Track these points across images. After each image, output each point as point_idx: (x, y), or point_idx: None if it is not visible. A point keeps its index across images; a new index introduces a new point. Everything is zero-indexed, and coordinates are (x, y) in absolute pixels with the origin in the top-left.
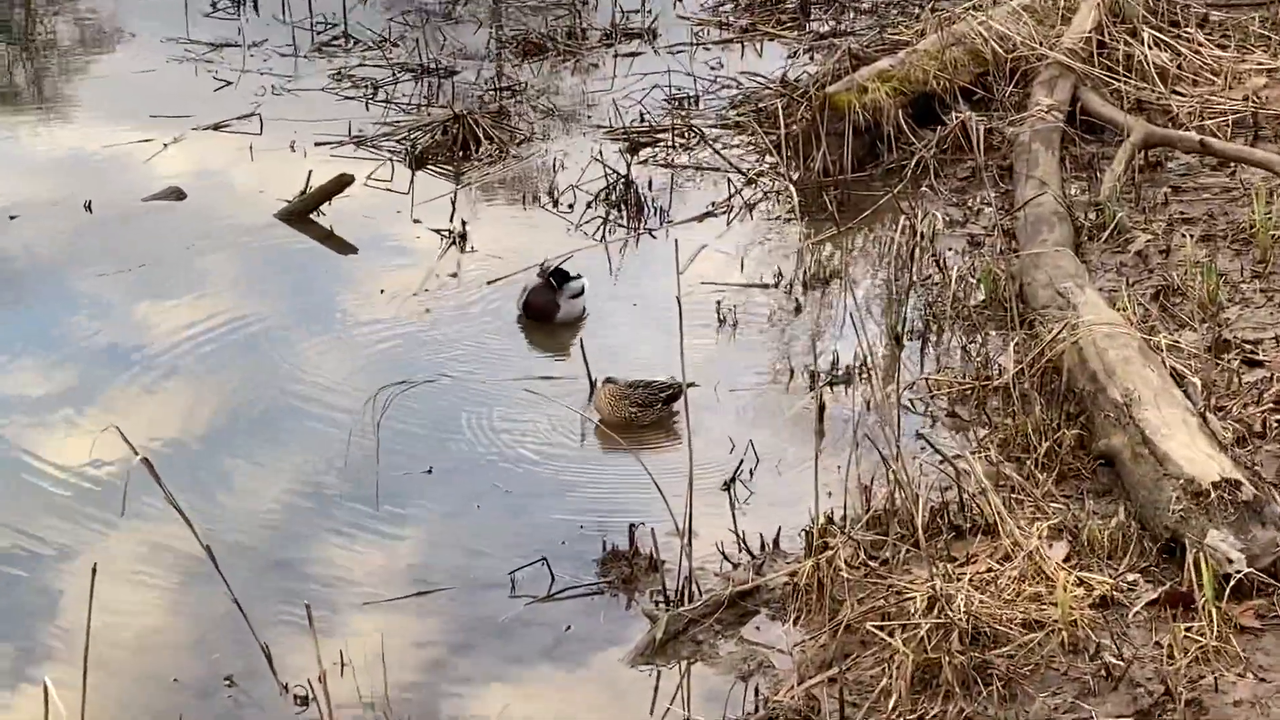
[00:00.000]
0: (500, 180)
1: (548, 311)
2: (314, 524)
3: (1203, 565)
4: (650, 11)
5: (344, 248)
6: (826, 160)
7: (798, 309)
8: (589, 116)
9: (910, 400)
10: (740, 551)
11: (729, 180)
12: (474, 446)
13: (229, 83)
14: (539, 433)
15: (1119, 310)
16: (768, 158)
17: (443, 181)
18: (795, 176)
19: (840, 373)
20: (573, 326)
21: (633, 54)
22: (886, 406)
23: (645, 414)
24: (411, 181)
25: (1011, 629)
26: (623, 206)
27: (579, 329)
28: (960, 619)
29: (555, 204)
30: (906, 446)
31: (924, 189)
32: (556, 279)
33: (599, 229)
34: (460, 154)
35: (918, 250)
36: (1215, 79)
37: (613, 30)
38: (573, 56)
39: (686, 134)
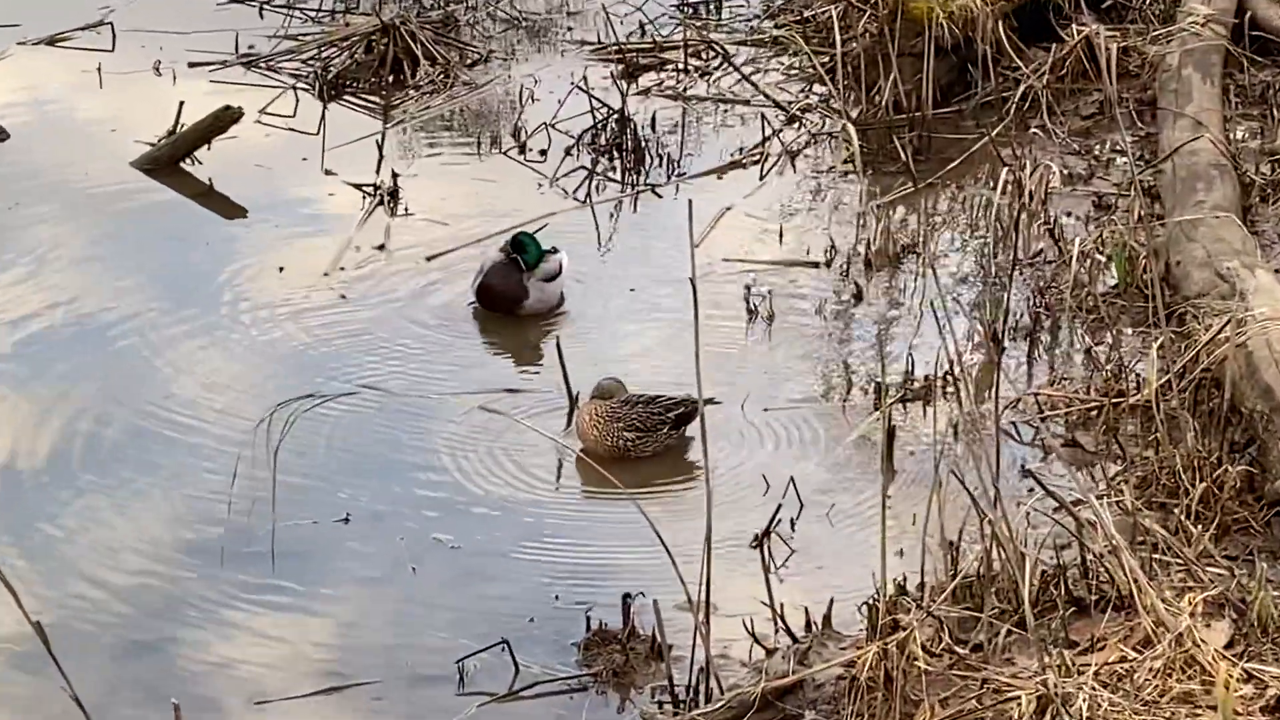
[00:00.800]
0: (445, 117)
1: (512, 299)
2: (187, 591)
3: None
4: None
5: (229, 209)
6: (898, 90)
7: (858, 296)
8: (568, 30)
9: (1013, 424)
10: (777, 632)
11: (763, 118)
12: (408, 485)
13: None
14: (498, 466)
15: None
16: (817, 87)
17: (365, 118)
18: (855, 113)
19: (916, 385)
20: (546, 320)
21: None
22: (981, 432)
23: (646, 441)
24: (322, 118)
25: None
26: (616, 154)
27: (554, 323)
28: None
29: (522, 150)
30: (1008, 488)
31: (1033, 131)
32: (524, 255)
33: (582, 185)
34: (390, 80)
35: (1025, 216)
36: None
37: None
38: None
39: (704, 54)
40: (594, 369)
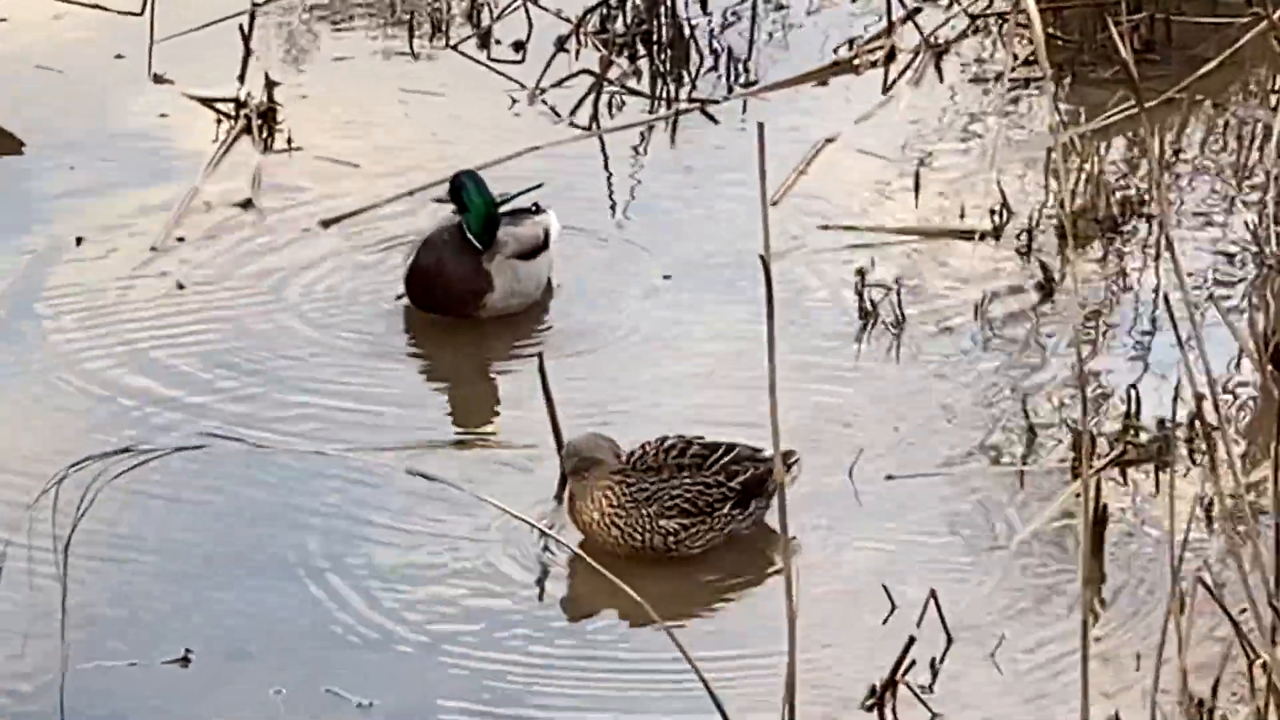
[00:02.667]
0: None
1: (467, 291)
2: None
3: None
4: None
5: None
6: None
7: (1046, 288)
8: None
9: None
10: None
11: None
12: (287, 601)
13: None
14: (438, 571)
15: None
16: None
17: None
18: None
19: (1143, 439)
20: (522, 324)
21: None
22: (1252, 517)
23: (699, 531)
24: None
25: None
26: (642, 48)
27: (535, 330)
28: None
29: (485, 43)
30: None
31: None
32: (474, 227)
33: (585, 101)
34: None
35: None
36: None
37: None
38: None
39: None
40: (598, 408)
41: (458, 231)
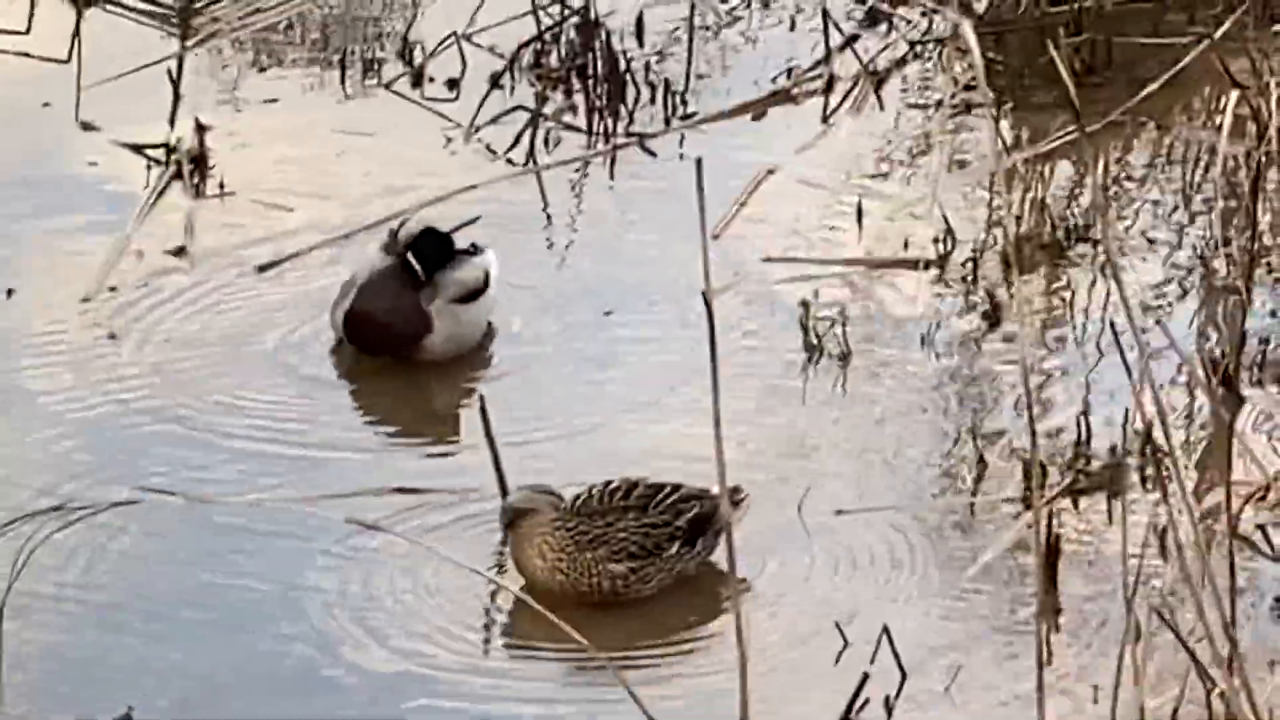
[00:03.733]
0: (286, 28)
1: (405, 333)
2: None
3: None
4: None
5: None
6: None
7: (992, 317)
8: None
9: (1262, 528)
10: None
11: (824, 17)
12: (234, 653)
13: None
14: (384, 618)
15: None
16: None
17: (150, 33)
18: (983, 5)
19: (1094, 467)
20: (463, 365)
21: None
22: (1206, 544)
23: (648, 572)
24: (76, 34)
25: None
26: (578, 83)
27: (473, 372)
28: None
29: (418, 81)
30: (1254, 637)
31: None
32: (424, 257)
33: (522, 138)
34: None
35: (1271, 172)
36: None
37: None
38: None
39: None
40: (541, 449)
41: (391, 271)
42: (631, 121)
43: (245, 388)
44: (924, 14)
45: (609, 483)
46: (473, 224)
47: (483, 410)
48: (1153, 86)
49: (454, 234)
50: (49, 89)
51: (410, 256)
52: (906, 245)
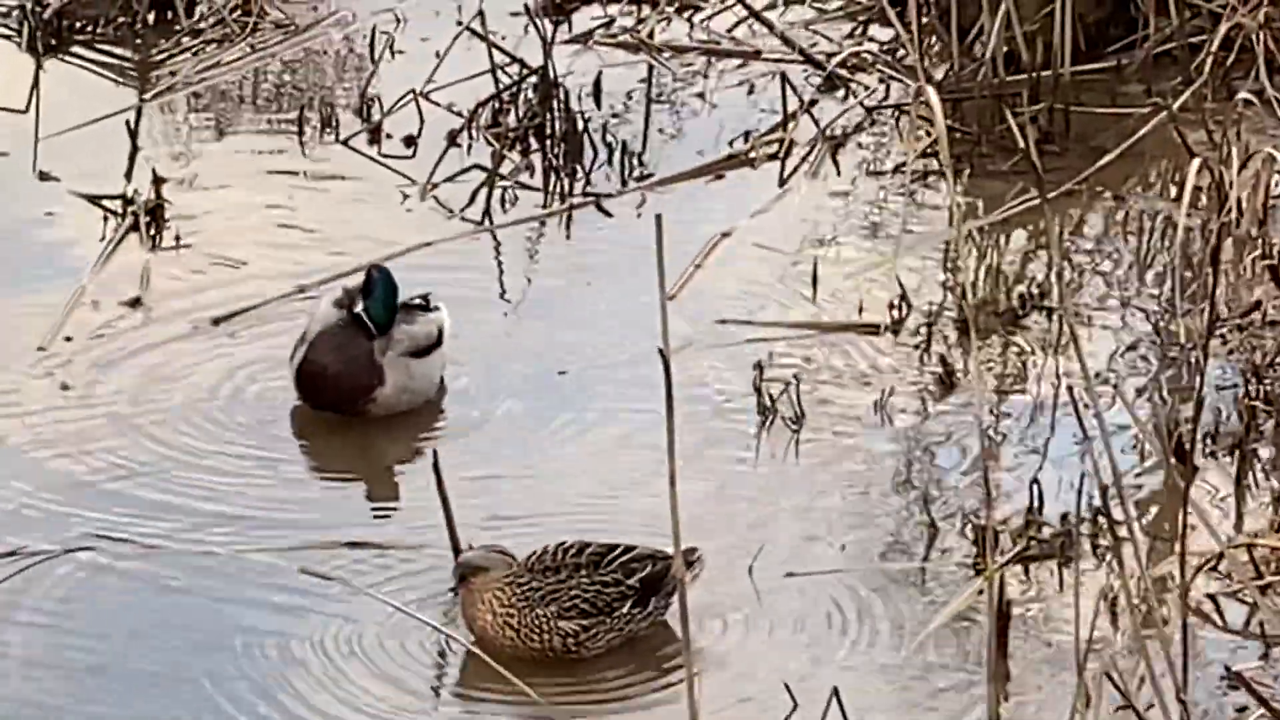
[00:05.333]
0: (244, 82)
1: (356, 387)
2: None
3: None
4: None
5: None
6: (1013, 34)
7: (947, 382)
8: None
9: (1212, 597)
10: None
11: (784, 81)
12: (181, 707)
13: None
14: (335, 672)
15: None
16: (875, 28)
17: (108, 85)
18: (940, 71)
19: (1046, 534)
20: (415, 421)
21: None
22: (1157, 611)
23: (599, 632)
24: (35, 86)
25: None
26: (535, 143)
27: (428, 428)
28: None
29: (375, 138)
30: (1205, 704)
31: (1241, 99)
32: (376, 312)
33: (478, 197)
34: (148, 20)
35: (1229, 244)
36: None
37: None
38: None
39: None
40: (493, 506)
41: (349, 325)
42: (588, 182)
43: (199, 440)
44: (881, 80)
45: (562, 542)
46: (427, 296)
47: (435, 466)
48: (1110, 156)
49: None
50: (7, 139)
51: (365, 311)
52: (861, 310)
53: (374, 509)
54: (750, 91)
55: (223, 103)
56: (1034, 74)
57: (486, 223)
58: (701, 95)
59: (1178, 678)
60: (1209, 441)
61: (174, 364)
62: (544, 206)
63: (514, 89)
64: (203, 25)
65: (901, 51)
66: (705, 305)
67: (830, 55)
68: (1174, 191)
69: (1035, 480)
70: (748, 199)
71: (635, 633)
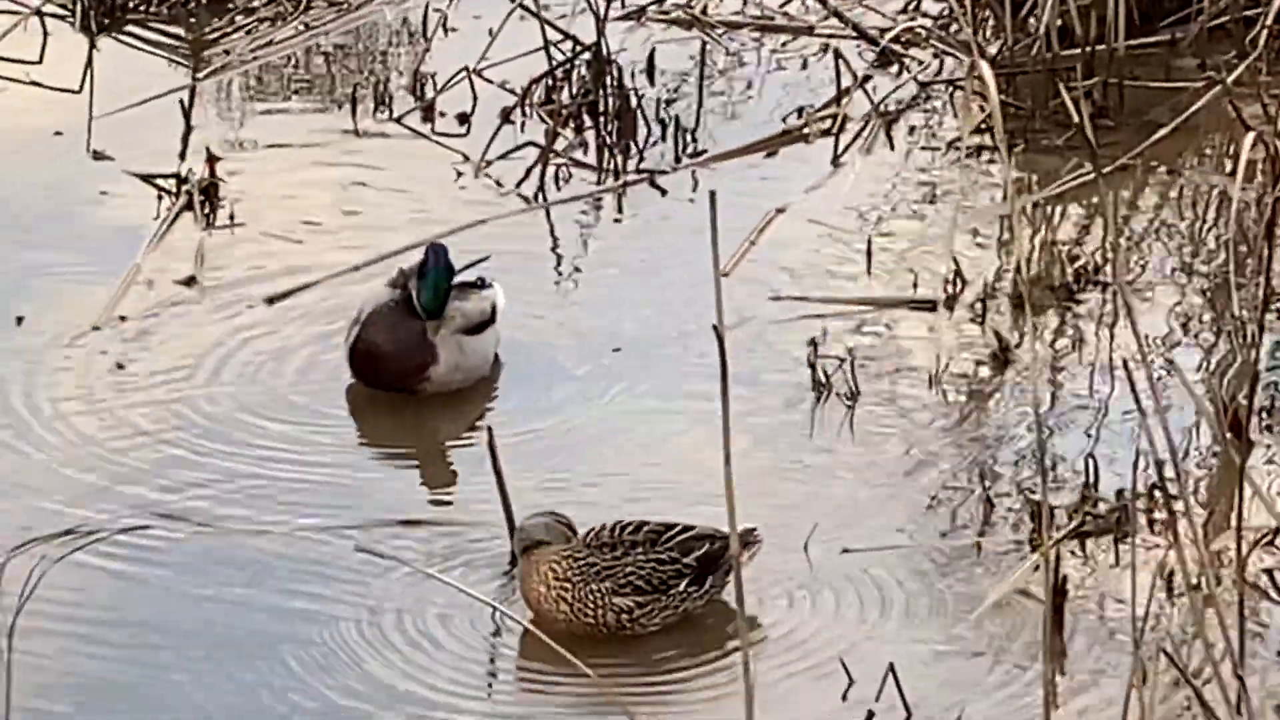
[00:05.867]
0: (297, 61)
1: (410, 366)
2: None
3: None
4: None
5: None
6: (1069, 8)
7: (1001, 358)
8: None
9: (1270, 573)
10: None
11: (837, 58)
12: (244, 680)
13: None
14: (391, 649)
15: None
16: (927, 3)
17: (161, 66)
18: (994, 47)
19: (1102, 510)
20: (469, 399)
21: None
22: (1214, 587)
23: (654, 609)
24: (88, 66)
25: None
26: (588, 120)
27: (481, 405)
28: None
29: (429, 116)
30: (1264, 683)
31: None
32: (425, 299)
33: (531, 174)
34: (202, 1)
35: None
36: None
37: None
38: None
39: None
40: (548, 486)
41: (402, 304)
42: (642, 159)
43: (254, 419)
44: (936, 56)
45: (620, 520)
46: (482, 263)
47: (490, 444)
48: (1164, 131)
49: (463, 271)
50: (61, 118)
51: (419, 293)
52: (916, 285)
53: (429, 487)
54: (804, 67)
55: (277, 81)
56: (1088, 48)
57: (540, 200)
58: (755, 71)
59: (1234, 653)
60: (1264, 416)
61: (228, 343)
62: (598, 184)
63: (567, 66)
64: (255, 3)
65: (955, 26)
66: (759, 281)
67: (884, 30)
68: (1229, 165)
69: (1091, 455)
70: (802, 175)
71: (691, 611)
